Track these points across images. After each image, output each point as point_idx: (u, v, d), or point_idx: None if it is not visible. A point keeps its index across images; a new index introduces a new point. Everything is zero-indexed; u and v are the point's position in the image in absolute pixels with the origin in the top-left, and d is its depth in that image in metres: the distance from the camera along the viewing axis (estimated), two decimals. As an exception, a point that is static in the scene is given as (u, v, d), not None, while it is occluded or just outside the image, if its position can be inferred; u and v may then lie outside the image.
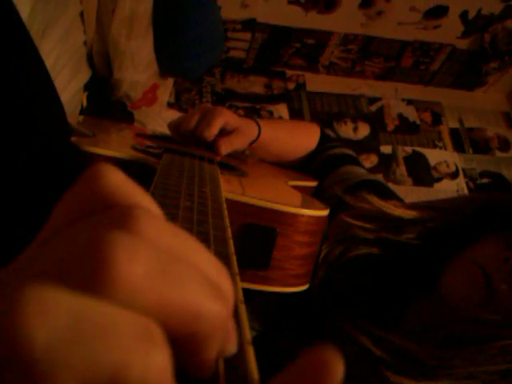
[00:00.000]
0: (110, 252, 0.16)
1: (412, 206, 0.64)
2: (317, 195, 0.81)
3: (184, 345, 0.18)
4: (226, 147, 0.73)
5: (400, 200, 0.78)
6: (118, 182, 0.20)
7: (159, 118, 1.46)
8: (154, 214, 0.19)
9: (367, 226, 0.62)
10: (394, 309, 0.58)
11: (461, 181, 1.92)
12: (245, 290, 0.26)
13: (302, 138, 0.91)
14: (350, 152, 0.92)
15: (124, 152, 0.63)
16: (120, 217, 0.18)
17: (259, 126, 0.78)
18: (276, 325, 0.63)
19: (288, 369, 0.16)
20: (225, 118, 0.73)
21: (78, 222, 0.19)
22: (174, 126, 0.77)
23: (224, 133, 0.74)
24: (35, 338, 0.14)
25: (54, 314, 0.14)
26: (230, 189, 0.54)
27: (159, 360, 0.15)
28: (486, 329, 0.48)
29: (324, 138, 0.92)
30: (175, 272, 0.17)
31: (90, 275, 0.16)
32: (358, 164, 0.89)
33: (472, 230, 0.59)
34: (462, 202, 0.64)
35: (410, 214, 0.62)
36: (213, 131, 0.72)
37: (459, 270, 0.56)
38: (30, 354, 0.14)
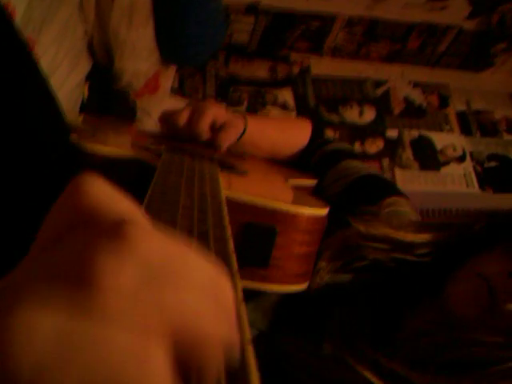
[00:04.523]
0: (97, 261, 0.16)
1: (422, 227, 0.63)
2: (317, 193, 0.80)
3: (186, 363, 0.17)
4: (226, 141, 0.73)
5: (401, 194, 0.78)
6: (102, 197, 0.19)
7: (162, 106, 1.45)
8: (142, 226, 0.18)
9: (378, 246, 0.62)
10: (396, 319, 0.58)
11: (468, 164, 1.90)
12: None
13: (293, 132, 0.90)
14: (346, 146, 0.92)
15: (123, 150, 0.63)
16: (108, 231, 0.17)
17: (245, 119, 0.78)
18: (277, 324, 0.63)
19: None
20: (214, 111, 0.74)
21: (66, 236, 0.19)
22: (164, 121, 0.78)
23: (214, 127, 0.74)
24: (22, 365, 0.14)
25: (38, 339, 0.15)
26: (229, 187, 0.54)
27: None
28: (489, 351, 0.47)
29: (317, 133, 0.91)
30: (168, 279, 0.17)
31: (80, 283, 0.16)
32: (355, 157, 0.88)
33: (479, 243, 0.59)
34: (471, 219, 0.63)
35: (421, 237, 0.62)
36: (205, 123, 0.73)
37: (464, 281, 0.56)
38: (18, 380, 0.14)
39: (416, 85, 2.04)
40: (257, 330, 0.62)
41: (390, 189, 0.78)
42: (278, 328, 0.62)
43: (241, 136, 0.78)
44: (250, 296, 0.61)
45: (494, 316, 0.51)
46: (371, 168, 0.86)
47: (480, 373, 0.46)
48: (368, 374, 0.48)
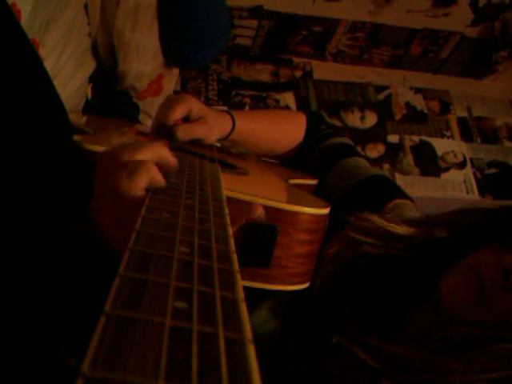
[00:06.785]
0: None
1: (414, 222, 0.65)
2: (318, 192, 0.80)
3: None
4: (184, 133, 0.70)
5: (406, 196, 0.78)
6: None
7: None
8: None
9: (374, 242, 0.63)
10: (395, 317, 0.59)
11: (468, 171, 1.91)
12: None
13: (286, 127, 0.89)
14: (346, 140, 0.90)
15: None
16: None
17: (234, 119, 0.77)
18: (289, 324, 0.63)
19: None
20: (188, 104, 0.71)
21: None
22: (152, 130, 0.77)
23: (189, 120, 0.73)
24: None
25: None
26: (230, 187, 0.54)
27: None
28: (481, 331, 0.48)
29: (312, 125, 0.90)
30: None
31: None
32: (356, 153, 0.88)
33: (471, 240, 0.60)
34: (462, 216, 0.65)
35: (412, 231, 0.63)
36: (174, 116, 0.70)
37: (455, 273, 0.57)
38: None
39: (417, 91, 2.04)
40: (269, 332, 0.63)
41: (393, 192, 0.78)
42: (290, 327, 0.63)
43: (229, 134, 0.77)
44: (264, 296, 0.62)
45: (484, 303, 0.52)
46: (372, 168, 0.86)
47: (471, 353, 0.47)
48: (362, 354, 0.49)
